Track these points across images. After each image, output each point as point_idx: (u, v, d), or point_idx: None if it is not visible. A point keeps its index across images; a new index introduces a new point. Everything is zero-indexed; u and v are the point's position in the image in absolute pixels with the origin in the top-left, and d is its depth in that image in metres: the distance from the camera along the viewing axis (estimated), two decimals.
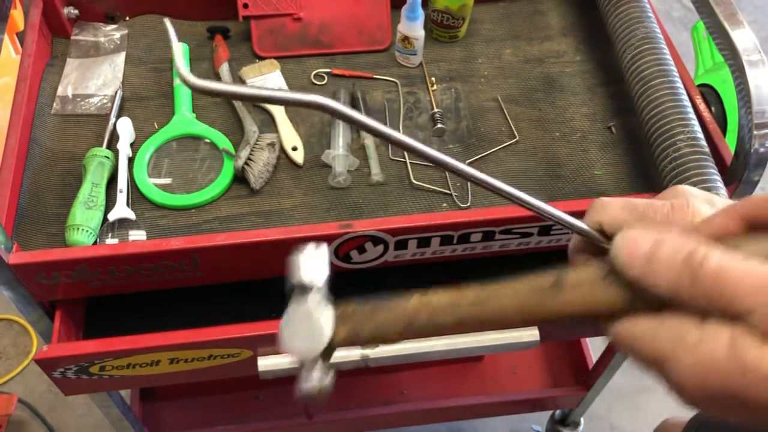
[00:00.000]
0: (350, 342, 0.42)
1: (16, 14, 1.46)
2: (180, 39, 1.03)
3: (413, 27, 0.99)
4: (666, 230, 0.34)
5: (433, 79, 1.02)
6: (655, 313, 0.34)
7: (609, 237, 0.40)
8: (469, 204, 0.88)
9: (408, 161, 0.92)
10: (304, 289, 0.43)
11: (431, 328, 0.40)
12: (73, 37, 1.04)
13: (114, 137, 0.92)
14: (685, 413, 1.15)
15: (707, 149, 0.80)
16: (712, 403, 0.33)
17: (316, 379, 0.40)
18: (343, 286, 0.97)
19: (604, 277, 0.36)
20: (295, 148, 0.92)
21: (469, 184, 0.90)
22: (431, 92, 1.00)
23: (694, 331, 0.32)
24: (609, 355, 1.21)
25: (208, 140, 0.94)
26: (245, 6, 1.00)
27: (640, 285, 0.34)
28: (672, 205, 0.38)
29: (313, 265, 0.44)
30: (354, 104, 0.97)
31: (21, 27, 1.47)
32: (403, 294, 0.41)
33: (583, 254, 0.44)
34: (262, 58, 1.03)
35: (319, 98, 0.36)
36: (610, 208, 0.41)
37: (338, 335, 0.41)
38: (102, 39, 1.04)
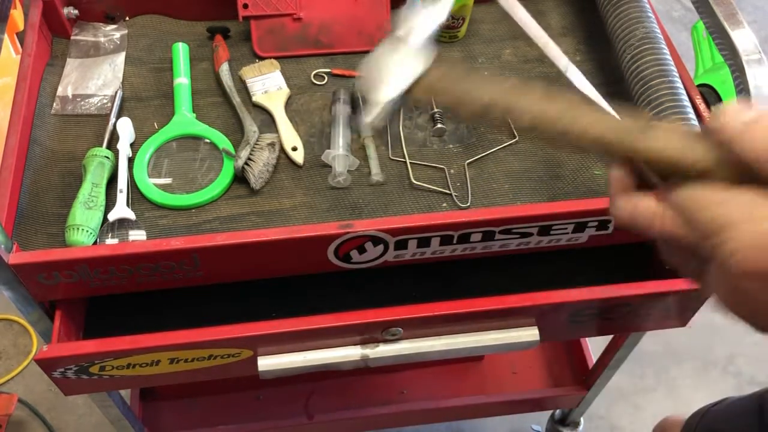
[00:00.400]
0: (432, 92, 0.42)
1: (16, 14, 1.47)
2: (180, 39, 1.03)
3: None
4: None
5: None
6: (733, 186, 0.35)
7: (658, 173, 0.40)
8: (469, 204, 0.88)
9: (408, 161, 0.92)
10: (401, 39, 0.42)
11: (506, 114, 0.40)
12: (73, 37, 1.04)
13: (114, 137, 0.92)
14: (684, 412, 1.15)
15: None
16: (756, 280, 0.33)
17: (378, 115, 0.41)
18: (342, 286, 0.97)
19: (694, 136, 0.36)
20: (295, 148, 0.92)
21: (469, 184, 0.90)
22: None
23: (765, 207, 0.33)
24: (609, 355, 1.21)
25: (208, 140, 0.94)
26: (245, 6, 1.00)
27: (731, 148, 0.35)
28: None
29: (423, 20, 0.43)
30: (354, 104, 0.97)
31: (21, 27, 1.47)
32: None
33: (623, 172, 0.42)
34: (262, 58, 1.03)
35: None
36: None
37: (428, 78, 0.42)
38: (102, 39, 1.04)
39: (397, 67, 0.41)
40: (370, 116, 0.41)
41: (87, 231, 0.82)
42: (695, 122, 0.83)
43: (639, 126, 0.37)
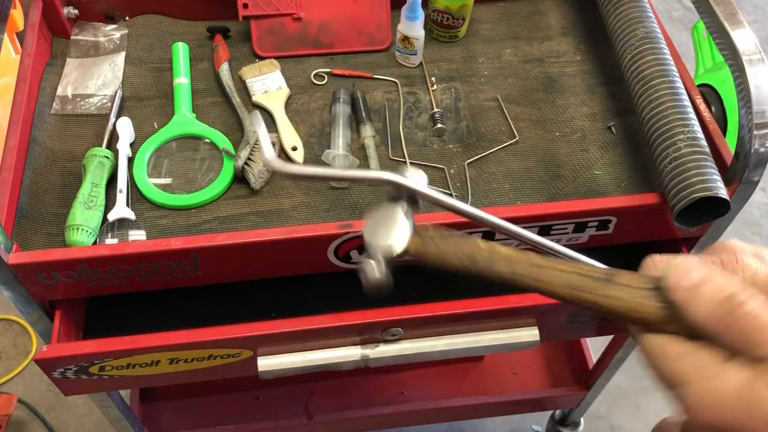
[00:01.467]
0: (417, 255, 0.48)
1: (16, 14, 1.47)
2: (180, 39, 1.03)
3: (413, 27, 0.98)
4: (719, 271, 0.38)
5: (433, 79, 1.02)
6: (687, 340, 0.38)
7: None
8: (469, 204, 0.88)
9: (408, 161, 0.92)
10: (399, 198, 0.49)
11: (489, 272, 0.45)
12: (72, 37, 1.04)
13: (114, 137, 0.92)
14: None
15: (707, 149, 0.80)
16: None
17: (379, 272, 0.48)
18: (342, 286, 0.97)
19: (651, 289, 0.40)
20: (295, 148, 0.92)
21: (469, 183, 0.90)
22: (431, 92, 1.00)
23: (716, 365, 0.36)
24: (609, 355, 1.21)
25: (208, 140, 0.94)
26: (245, 6, 1.00)
27: (679, 309, 0.38)
28: (722, 261, 0.40)
29: (415, 180, 0.50)
30: (354, 104, 0.97)
31: (21, 27, 1.47)
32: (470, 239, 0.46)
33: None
34: (262, 58, 1.03)
35: (392, 176, 0.45)
36: (662, 267, 0.43)
37: (411, 246, 0.48)
38: (102, 39, 1.04)
39: (399, 226, 0.49)
40: (377, 270, 0.49)
41: (87, 231, 0.82)
42: (695, 122, 0.83)
43: (601, 277, 0.42)
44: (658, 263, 0.43)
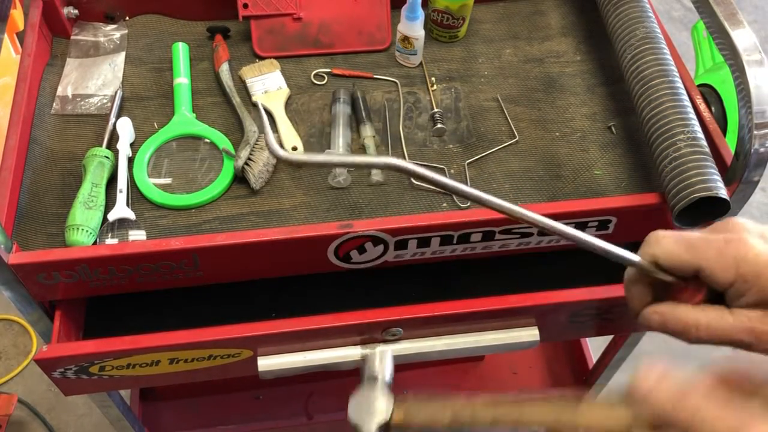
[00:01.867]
0: (404, 424, 0.56)
1: (16, 14, 1.47)
2: (180, 39, 1.03)
3: (413, 27, 0.99)
4: (675, 369, 0.42)
5: (433, 79, 1.02)
6: None
7: (664, 269, 0.47)
8: (469, 204, 0.88)
9: (408, 161, 0.92)
10: (375, 379, 0.60)
11: (471, 423, 0.51)
12: (73, 37, 1.04)
13: (114, 137, 0.92)
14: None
15: (707, 149, 0.80)
16: None
17: None
18: (342, 286, 0.97)
19: (618, 400, 0.45)
20: (295, 148, 0.92)
21: (469, 183, 0.90)
22: (431, 92, 1.00)
23: None
24: (609, 355, 1.21)
25: (208, 140, 0.94)
26: (245, 6, 1.00)
27: (643, 406, 0.42)
28: (725, 239, 0.40)
29: (386, 365, 0.64)
30: (354, 104, 0.97)
31: (21, 27, 1.47)
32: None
33: (638, 285, 0.48)
34: (262, 58, 1.03)
35: (394, 160, 0.49)
36: (665, 243, 0.44)
37: (395, 418, 0.56)
38: (102, 39, 1.04)
39: (377, 405, 0.58)
40: None
41: (87, 231, 0.82)
42: (695, 122, 0.83)
43: (569, 406, 0.47)
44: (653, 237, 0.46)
